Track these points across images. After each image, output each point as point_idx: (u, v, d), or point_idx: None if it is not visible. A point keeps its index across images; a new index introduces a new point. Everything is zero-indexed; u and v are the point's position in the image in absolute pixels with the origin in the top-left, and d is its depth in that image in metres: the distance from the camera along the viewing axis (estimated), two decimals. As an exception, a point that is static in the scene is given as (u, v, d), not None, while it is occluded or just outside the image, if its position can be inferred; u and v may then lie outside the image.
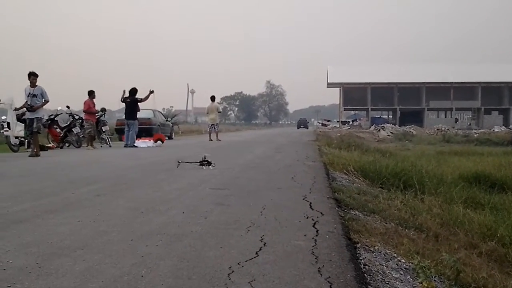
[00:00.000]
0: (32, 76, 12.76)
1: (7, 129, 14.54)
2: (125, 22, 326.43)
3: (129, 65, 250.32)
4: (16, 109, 14.03)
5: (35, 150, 12.77)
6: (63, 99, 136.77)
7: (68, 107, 18.10)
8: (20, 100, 13.61)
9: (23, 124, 13.29)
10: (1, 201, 5.35)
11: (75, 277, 2.77)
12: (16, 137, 13.71)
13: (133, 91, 18.44)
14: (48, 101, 13.14)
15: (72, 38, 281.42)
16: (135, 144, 17.70)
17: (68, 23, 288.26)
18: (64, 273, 2.83)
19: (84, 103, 17.50)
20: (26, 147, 14.31)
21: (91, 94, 17.69)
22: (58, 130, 17.40)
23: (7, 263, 3.02)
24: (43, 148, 15.32)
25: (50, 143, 17.21)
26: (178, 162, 9.27)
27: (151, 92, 19.05)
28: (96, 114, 18.90)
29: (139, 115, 19.73)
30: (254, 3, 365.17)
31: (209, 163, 9.12)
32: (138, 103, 18.49)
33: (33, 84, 12.81)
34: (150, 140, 18.53)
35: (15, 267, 2.94)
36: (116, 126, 23.26)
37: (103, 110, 20.02)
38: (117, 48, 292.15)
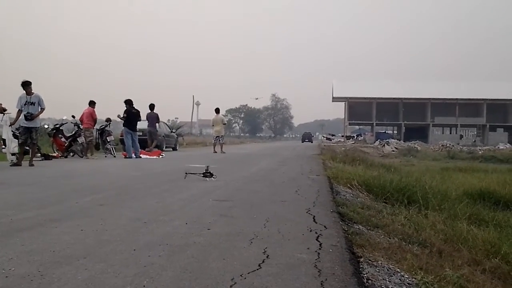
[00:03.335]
0: (27, 85, 12.44)
1: (4, 146, 14.30)
2: (130, 38, 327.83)
3: (135, 78, 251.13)
4: (11, 124, 13.61)
5: (29, 160, 12.50)
6: (68, 109, 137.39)
7: (73, 116, 18.15)
8: (11, 109, 13.20)
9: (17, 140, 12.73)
10: (5, 209, 5.35)
11: (77, 286, 2.76)
12: (13, 154, 13.36)
13: (130, 101, 18.38)
14: (44, 109, 12.85)
15: (77, 52, 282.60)
16: (140, 155, 17.81)
17: (74, 38, 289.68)
18: (66, 282, 2.83)
19: (87, 112, 17.60)
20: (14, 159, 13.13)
21: (92, 103, 17.92)
22: (63, 139, 17.44)
23: (9, 271, 3.02)
24: (48, 157, 15.35)
25: (54, 152, 17.25)
26: (186, 173, 9.21)
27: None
28: (101, 125, 19.04)
29: (142, 125, 20.05)
30: (259, 18, 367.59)
31: (211, 175, 9.10)
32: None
33: (29, 92, 12.50)
34: (151, 156, 18.48)
35: (17, 275, 2.94)
36: (120, 136, 23.28)
37: (108, 120, 20.10)
38: (122, 62, 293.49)
